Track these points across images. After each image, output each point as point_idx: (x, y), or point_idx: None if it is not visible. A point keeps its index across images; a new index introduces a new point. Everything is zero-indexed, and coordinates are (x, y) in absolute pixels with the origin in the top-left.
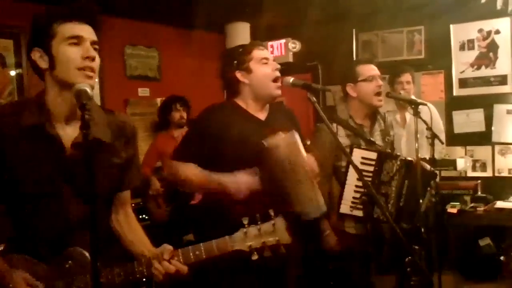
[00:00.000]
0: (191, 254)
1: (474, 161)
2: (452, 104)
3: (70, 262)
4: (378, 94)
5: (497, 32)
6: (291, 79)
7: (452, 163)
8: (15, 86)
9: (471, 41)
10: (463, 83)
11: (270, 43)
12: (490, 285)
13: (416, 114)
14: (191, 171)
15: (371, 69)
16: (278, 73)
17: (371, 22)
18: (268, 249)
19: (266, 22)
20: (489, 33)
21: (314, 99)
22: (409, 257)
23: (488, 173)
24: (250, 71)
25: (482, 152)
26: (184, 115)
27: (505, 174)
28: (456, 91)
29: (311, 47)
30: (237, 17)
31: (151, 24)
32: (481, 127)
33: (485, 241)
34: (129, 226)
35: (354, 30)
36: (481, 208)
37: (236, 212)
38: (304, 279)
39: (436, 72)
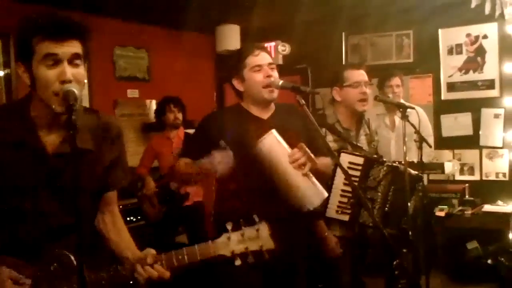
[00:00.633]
0: (174, 259)
1: (462, 165)
2: (440, 108)
3: (55, 264)
4: (362, 100)
5: (485, 37)
6: (280, 82)
7: (440, 167)
8: (3, 86)
9: (459, 46)
10: (451, 87)
11: None
12: None
13: (404, 117)
14: (181, 162)
15: (359, 75)
16: (270, 79)
17: (361, 25)
18: (251, 254)
19: (256, 24)
20: (477, 37)
21: (303, 101)
22: (397, 260)
23: (476, 177)
24: (244, 79)
25: (470, 155)
26: (179, 116)
27: (492, 177)
28: (444, 95)
29: (301, 49)
30: (228, 19)
31: (140, 25)
32: (469, 131)
33: (472, 244)
34: (115, 227)
35: (343, 33)
36: (468, 212)
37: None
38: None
39: (424, 76)
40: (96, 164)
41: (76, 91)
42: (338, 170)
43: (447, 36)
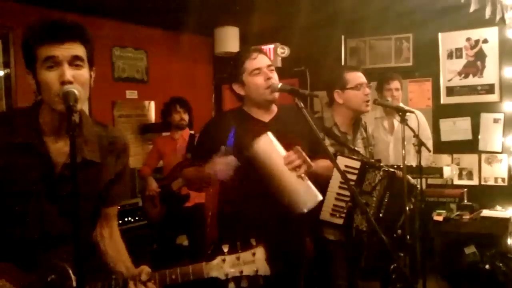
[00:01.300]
0: (167, 278)
1: (461, 169)
2: (439, 112)
3: (53, 276)
4: (366, 101)
5: (485, 41)
6: (279, 84)
7: (438, 171)
8: (2, 86)
9: (459, 50)
10: (451, 91)
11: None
12: None
13: (403, 121)
14: (187, 169)
15: (359, 77)
16: (270, 82)
17: (360, 28)
18: (246, 279)
19: (255, 26)
20: (477, 42)
21: (302, 104)
22: (394, 264)
23: (474, 182)
24: (244, 83)
25: (469, 160)
26: (185, 116)
27: (491, 182)
28: (443, 99)
29: (300, 52)
30: (227, 21)
31: (139, 26)
32: (468, 136)
33: (470, 249)
34: (112, 242)
35: (342, 37)
36: (466, 216)
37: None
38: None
39: (423, 80)
40: (100, 176)
41: (76, 92)
42: (334, 173)
43: (447, 40)
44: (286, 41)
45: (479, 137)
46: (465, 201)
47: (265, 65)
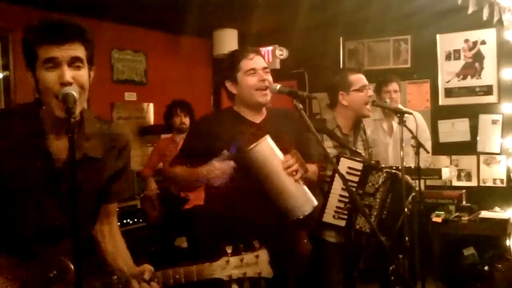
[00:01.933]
0: (171, 278)
1: (459, 171)
2: (437, 114)
3: (55, 272)
4: (367, 104)
5: (483, 42)
6: (277, 86)
7: (437, 172)
8: (2, 88)
9: (457, 51)
10: (449, 92)
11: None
12: None
13: (402, 123)
14: (178, 169)
15: (363, 79)
16: (264, 83)
17: (358, 30)
18: (248, 281)
19: (254, 28)
20: (475, 43)
21: (300, 106)
22: (393, 266)
23: (473, 183)
24: (237, 82)
25: (467, 161)
26: (186, 120)
27: (490, 184)
28: (442, 101)
29: (298, 54)
30: (225, 23)
31: (138, 29)
32: (466, 137)
33: (469, 251)
34: (112, 238)
35: (341, 38)
36: (465, 218)
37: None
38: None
39: (421, 81)
40: (101, 173)
41: (75, 94)
42: (337, 175)
43: (445, 42)
44: (285, 43)
45: (478, 138)
46: (464, 202)
47: (260, 66)
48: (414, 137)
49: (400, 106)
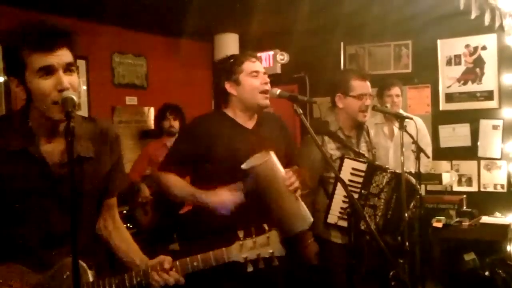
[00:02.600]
0: (189, 265)
1: (460, 176)
2: (438, 118)
3: (68, 273)
4: (363, 111)
5: (484, 48)
6: (277, 91)
7: (438, 177)
8: (3, 92)
9: (458, 56)
10: (450, 97)
11: (258, 54)
12: None
13: (402, 127)
14: (174, 184)
15: (365, 87)
16: (267, 87)
17: (359, 35)
18: (262, 260)
19: (255, 33)
20: (475, 48)
21: (301, 111)
22: (393, 271)
23: (474, 188)
24: (239, 83)
25: (468, 166)
26: (175, 123)
27: (490, 189)
28: (443, 106)
29: (299, 59)
30: (226, 27)
31: (139, 33)
32: (467, 142)
33: (469, 256)
34: (117, 232)
35: (342, 43)
36: (466, 223)
37: (223, 224)
38: None
39: (422, 86)
40: (97, 170)
41: (75, 98)
42: (342, 175)
43: (445, 47)
44: (286, 47)
45: (478, 143)
46: (465, 207)
47: (262, 70)
48: (415, 143)
49: (400, 111)
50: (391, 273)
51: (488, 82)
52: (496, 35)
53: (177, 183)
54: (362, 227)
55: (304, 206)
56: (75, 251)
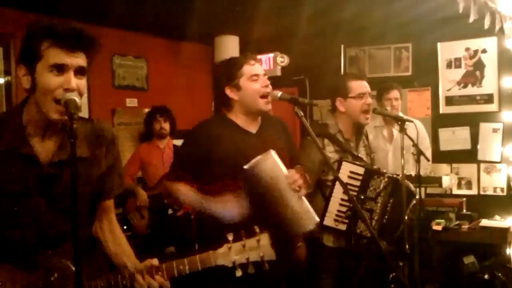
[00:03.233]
0: (174, 269)
1: (460, 179)
2: (438, 121)
3: (55, 274)
4: (365, 112)
5: (484, 51)
6: (279, 93)
7: (437, 180)
8: (3, 93)
9: (458, 59)
10: (450, 100)
11: (258, 56)
12: None
13: (402, 130)
14: (182, 190)
15: (363, 86)
16: (267, 89)
17: (359, 38)
18: (252, 265)
19: (255, 35)
20: (476, 52)
21: (302, 113)
22: (393, 273)
23: (473, 191)
24: (240, 88)
25: (468, 170)
26: (165, 125)
27: (490, 192)
28: (443, 109)
29: (299, 61)
30: (227, 30)
31: (139, 35)
32: (467, 145)
33: (469, 259)
34: (112, 234)
35: (342, 46)
36: (465, 226)
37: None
38: None
39: (422, 89)
40: (90, 171)
41: (78, 100)
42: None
43: (446, 50)
44: (286, 50)
45: (478, 146)
46: (464, 210)
47: (262, 73)
48: (415, 145)
49: (400, 114)
50: (390, 276)
51: (488, 85)
52: (496, 38)
53: (184, 190)
54: (358, 230)
55: (308, 206)
56: (78, 253)
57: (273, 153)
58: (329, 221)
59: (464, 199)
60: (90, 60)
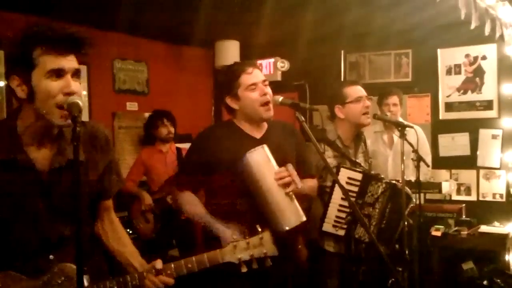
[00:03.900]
0: (183, 267)
1: (459, 185)
2: (437, 128)
3: (63, 278)
4: (365, 113)
5: (484, 57)
6: (280, 98)
7: (437, 186)
8: (4, 97)
9: (458, 66)
10: (449, 107)
11: (259, 61)
12: None
13: (403, 136)
14: (188, 202)
15: (358, 90)
16: (266, 97)
17: (360, 43)
18: (256, 261)
19: (256, 40)
20: (475, 58)
21: (302, 118)
22: (392, 279)
23: (473, 197)
24: (239, 98)
25: (467, 176)
26: (172, 130)
27: (489, 198)
28: (442, 115)
29: (300, 66)
30: (227, 34)
31: (140, 39)
32: (466, 151)
33: (468, 265)
34: (115, 233)
35: (342, 51)
36: (465, 232)
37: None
38: None
39: (422, 95)
40: (89, 173)
41: (80, 103)
42: (336, 185)
43: (446, 56)
44: (286, 55)
45: (478, 153)
46: (463, 216)
47: (260, 80)
48: (415, 151)
49: (400, 119)
50: (390, 281)
51: (488, 91)
52: (496, 45)
53: (190, 202)
54: (356, 236)
55: (296, 203)
56: (80, 256)
57: (265, 148)
58: (328, 226)
59: (464, 205)
60: (80, 60)
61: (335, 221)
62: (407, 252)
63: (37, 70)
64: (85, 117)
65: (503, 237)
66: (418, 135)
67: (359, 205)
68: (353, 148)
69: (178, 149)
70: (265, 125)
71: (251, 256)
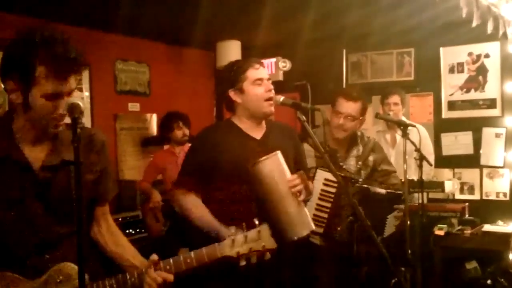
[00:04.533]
0: (182, 263)
1: (462, 184)
2: (440, 126)
3: (61, 277)
4: (336, 127)
5: (487, 56)
6: (281, 98)
7: (440, 185)
8: (5, 97)
9: (460, 64)
10: (452, 105)
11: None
12: None
13: (405, 135)
14: (192, 209)
15: (347, 107)
16: (271, 94)
17: (362, 43)
18: (255, 255)
19: (258, 41)
20: (478, 56)
21: (304, 118)
22: (395, 279)
23: (476, 196)
24: (243, 91)
25: (470, 175)
26: (187, 132)
27: (492, 197)
28: (445, 114)
29: (301, 66)
30: (229, 35)
31: (142, 40)
32: (470, 150)
33: (471, 264)
34: (113, 236)
35: (344, 51)
36: (468, 231)
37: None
38: None
39: (424, 94)
40: (85, 176)
41: (81, 105)
42: (315, 184)
43: (448, 55)
44: (288, 55)
45: (481, 151)
46: (467, 215)
47: (266, 77)
48: (418, 150)
49: (403, 118)
50: (392, 282)
51: (491, 90)
52: (499, 43)
53: (195, 208)
54: (337, 236)
55: (306, 212)
56: (81, 256)
57: (279, 154)
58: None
59: (467, 204)
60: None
61: (312, 219)
62: (409, 251)
63: (37, 88)
64: (87, 118)
65: (506, 236)
66: (421, 134)
67: (336, 207)
68: (344, 151)
69: None
70: (264, 125)
71: (249, 250)
